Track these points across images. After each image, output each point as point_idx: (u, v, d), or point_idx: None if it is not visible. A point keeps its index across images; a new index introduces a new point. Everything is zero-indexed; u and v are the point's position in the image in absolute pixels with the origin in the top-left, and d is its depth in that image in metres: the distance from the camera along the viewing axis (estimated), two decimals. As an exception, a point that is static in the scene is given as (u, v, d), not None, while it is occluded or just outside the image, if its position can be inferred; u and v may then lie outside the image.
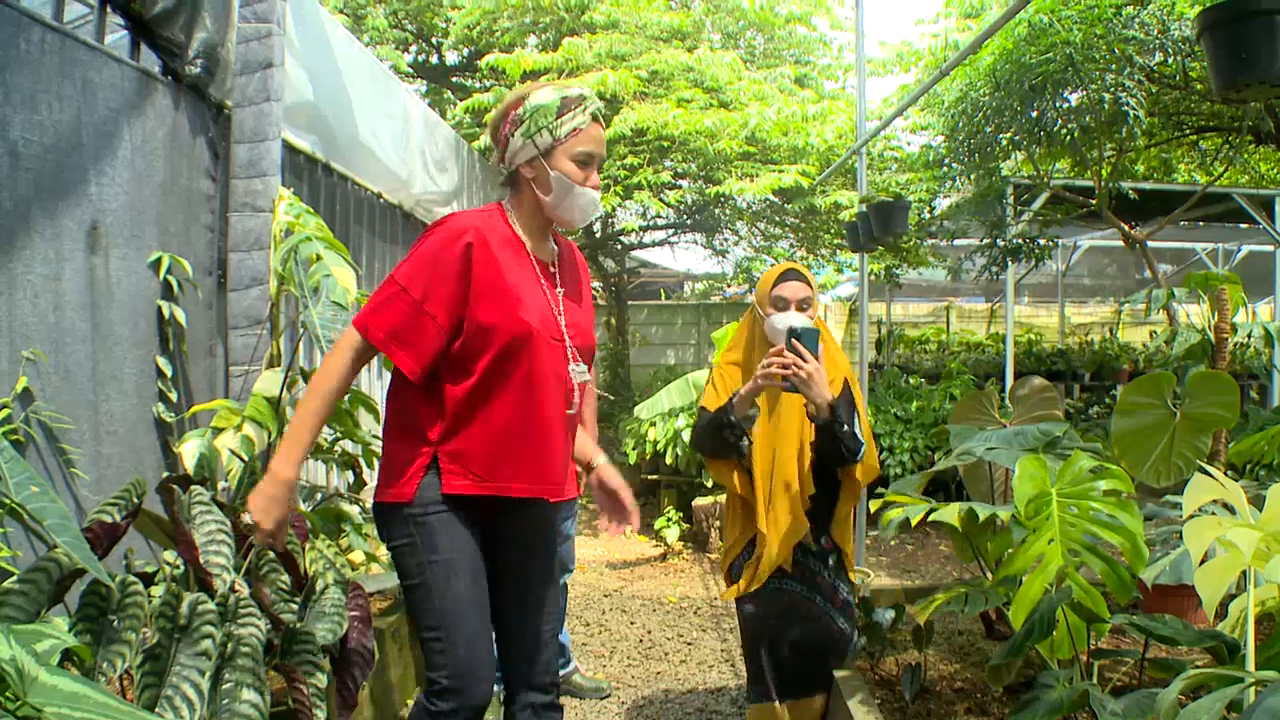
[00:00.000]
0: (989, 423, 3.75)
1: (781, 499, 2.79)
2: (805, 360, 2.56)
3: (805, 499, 2.80)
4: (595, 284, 11.85)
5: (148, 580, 2.19)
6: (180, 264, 3.13)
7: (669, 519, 6.67)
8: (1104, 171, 5.35)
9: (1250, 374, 9.64)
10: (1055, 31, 4.34)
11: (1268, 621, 2.75)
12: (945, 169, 6.28)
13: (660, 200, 7.77)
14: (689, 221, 10.16)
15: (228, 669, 1.96)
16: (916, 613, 2.78)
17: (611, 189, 7.26)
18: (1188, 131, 6.67)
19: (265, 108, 3.40)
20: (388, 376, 2.25)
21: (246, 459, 2.84)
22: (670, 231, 10.97)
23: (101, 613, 1.92)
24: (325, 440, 3.43)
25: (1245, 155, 7.59)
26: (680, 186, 8.39)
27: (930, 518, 2.68)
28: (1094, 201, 5.25)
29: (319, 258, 3.13)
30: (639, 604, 5.36)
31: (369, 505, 3.24)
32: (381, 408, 2.30)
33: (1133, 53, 4.23)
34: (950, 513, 2.63)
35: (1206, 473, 1.80)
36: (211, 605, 1.98)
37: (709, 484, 6.54)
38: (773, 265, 3.10)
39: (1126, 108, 4.17)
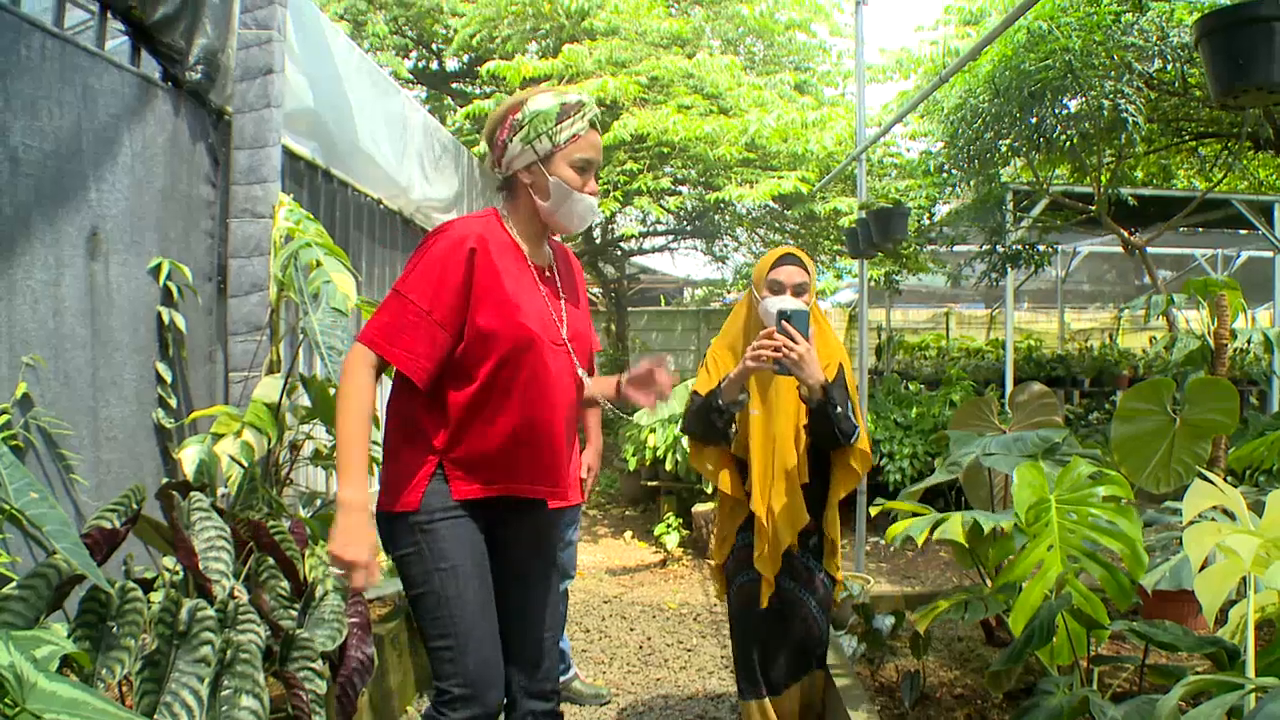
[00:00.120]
0: (988, 429, 3.75)
1: (780, 484, 2.79)
2: (796, 342, 2.54)
3: (802, 485, 2.81)
4: (595, 290, 11.87)
5: (147, 586, 2.18)
6: (180, 270, 3.13)
7: (669, 525, 6.67)
8: (1103, 178, 5.36)
9: (1250, 380, 9.64)
10: (1054, 38, 4.35)
11: (1268, 627, 2.75)
12: (945, 175, 6.29)
13: (660, 206, 7.77)
14: (689, 227, 10.17)
15: (227, 675, 1.96)
16: (916, 620, 2.78)
17: (611, 194, 7.26)
18: (1187, 138, 6.67)
19: (265, 114, 3.40)
20: (387, 383, 2.24)
21: (246, 465, 2.84)
22: (670, 237, 10.97)
23: (100, 619, 1.91)
24: (325, 446, 3.43)
25: (1244, 161, 7.59)
26: (680, 192, 8.39)
27: (935, 535, 2.67)
28: (1093, 208, 5.26)
29: (319, 264, 3.13)
30: (639, 610, 5.36)
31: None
32: (382, 415, 2.29)
33: (1132, 59, 4.24)
34: (955, 529, 2.61)
35: (1206, 479, 1.80)
36: (211, 611, 1.98)
37: (709, 490, 6.54)
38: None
39: (1125, 114, 4.18)
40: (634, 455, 7.02)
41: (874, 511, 3.03)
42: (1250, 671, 1.64)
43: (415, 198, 5.50)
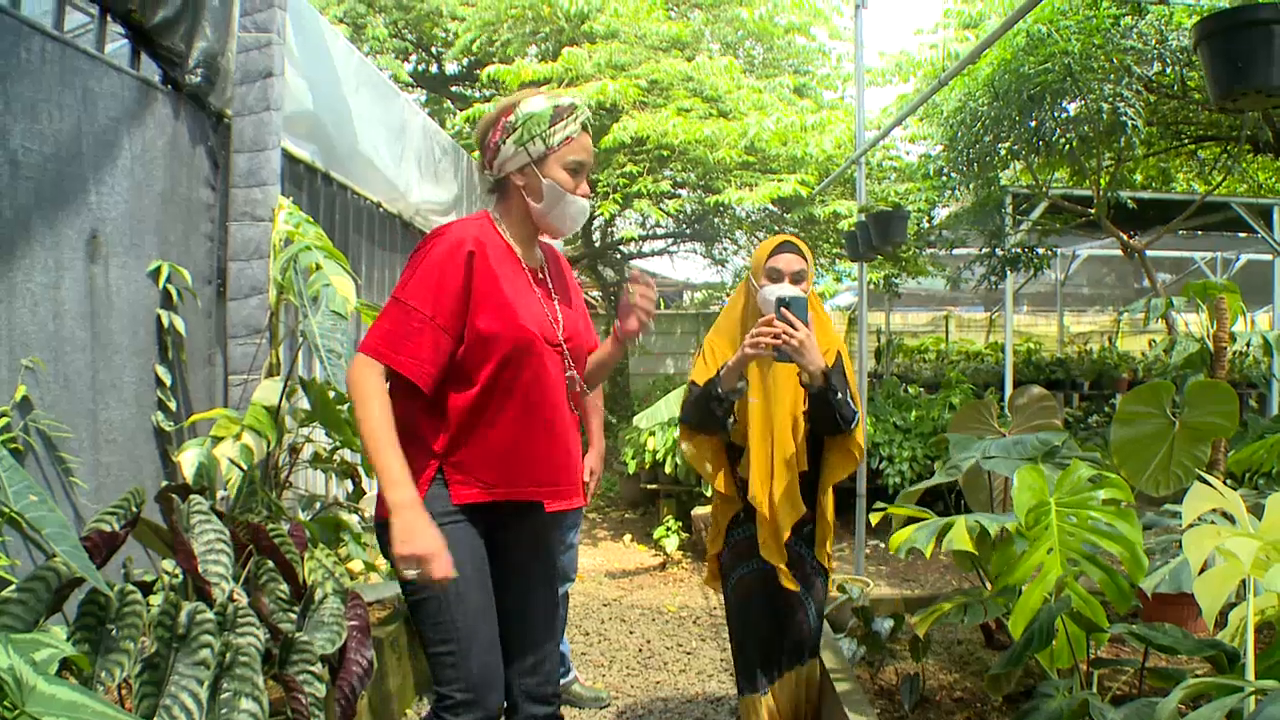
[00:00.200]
0: (988, 432, 3.75)
1: (780, 472, 2.80)
2: (796, 329, 2.54)
3: (798, 473, 2.83)
4: (595, 293, 11.85)
5: (146, 589, 2.18)
6: (180, 273, 3.13)
7: (668, 528, 6.67)
8: (1102, 181, 5.36)
9: (1249, 383, 9.64)
10: (1054, 42, 4.36)
11: (1267, 630, 2.75)
12: (944, 179, 6.28)
13: (659, 209, 7.78)
14: (688, 230, 10.17)
15: (226, 678, 1.96)
16: (916, 623, 2.77)
17: (610, 197, 7.26)
18: (1186, 141, 6.68)
19: (265, 117, 3.41)
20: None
21: (245, 468, 2.84)
22: (669, 241, 10.97)
23: (100, 622, 1.91)
24: (324, 449, 3.43)
25: (1243, 164, 7.60)
26: (679, 195, 8.39)
27: (943, 546, 2.66)
28: (1093, 211, 5.26)
29: (318, 267, 3.13)
30: (638, 613, 5.35)
31: (368, 514, 3.23)
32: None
33: (1131, 63, 4.24)
34: (961, 536, 2.61)
35: (1206, 481, 1.80)
36: (210, 614, 1.98)
37: (708, 493, 6.53)
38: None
39: (1125, 117, 4.18)
40: (633, 458, 7.02)
41: (875, 519, 3.03)
42: (1250, 674, 1.64)
43: (414, 201, 5.50)
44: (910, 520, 2.79)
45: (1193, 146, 6.85)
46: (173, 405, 3.12)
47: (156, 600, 2.12)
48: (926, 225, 7.43)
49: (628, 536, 7.29)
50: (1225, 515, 1.83)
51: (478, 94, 9.94)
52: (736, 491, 2.94)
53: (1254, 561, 1.58)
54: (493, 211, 2.21)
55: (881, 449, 6.84)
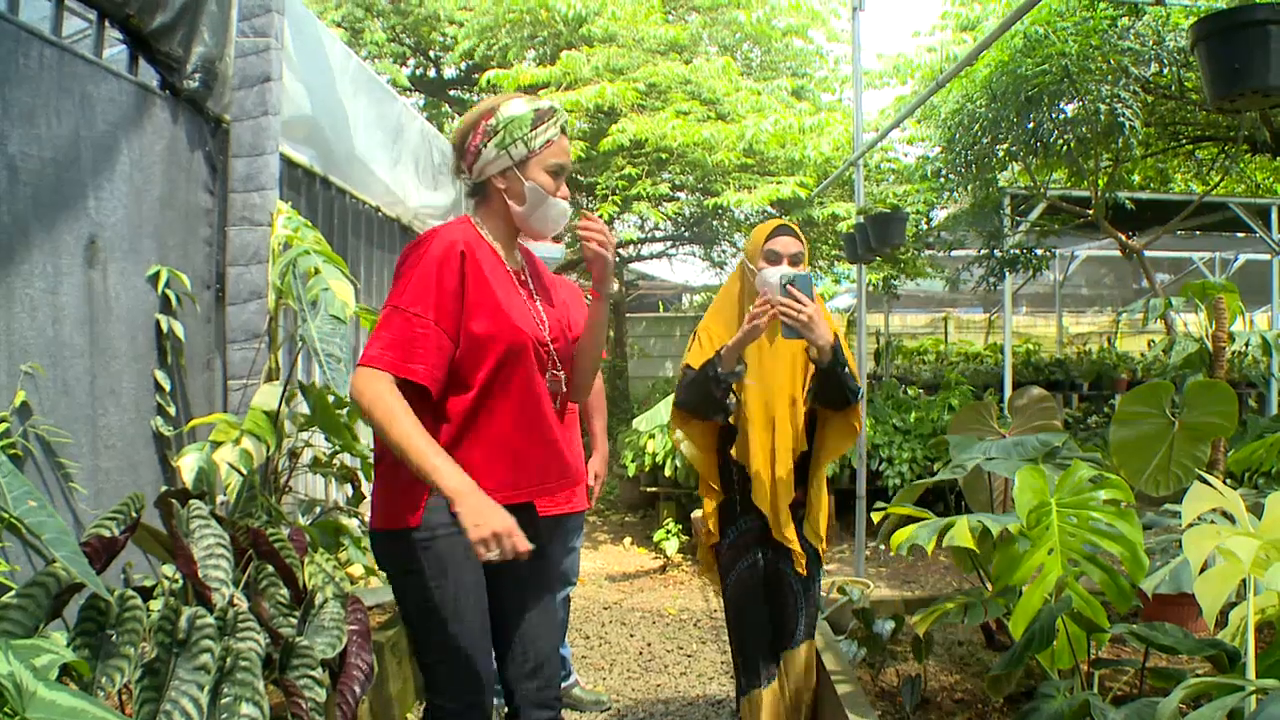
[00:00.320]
0: (988, 433, 3.75)
1: (783, 455, 2.82)
2: (804, 304, 2.57)
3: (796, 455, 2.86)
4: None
5: (146, 594, 2.18)
6: (178, 278, 3.13)
7: (668, 531, 6.66)
8: (1100, 182, 5.36)
9: (1248, 382, 9.64)
10: (1051, 43, 4.36)
11: (1268, 629, 2.75)
12: (942, 180, 6.28)
13: (659, 211, 7.78)
14: (687, 233, 10.18)
15: (226, 683, 1.95)
16: (916, 624, 2.77)
17: (610, 199, 7.27)
18: (1184, 141, 6.69)
19: (263, 121, 3.41)
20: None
21: (245, 473, 2.84)
22: (668, 243, 10.98)
23: (100, 627, 1.91)
24: (324, 454, 3.43)
25: (1241, 164, 7.60)
26: (678, 198, 8.40)
27: (944, 543, 2.66)
28: (1091, 211, 5.26)
29: (317, 271, 3.13)
30: (639, 616, 5.35)
31: (368, 518, 3.23)
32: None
33: (1128, 64, 4.24)
34: (963, 534, 2.61)
35: (1205, 481, 1.80)
36: (210, 619, 1.98)
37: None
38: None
39: (1122, 118, 4.18)
40: (633, 461, 7.02)
41: (876, 518, 3.03)
42: (1250, 673, 1.64)
43: (413, 205, 5.51)
44: (910, 520, 2.79)
45: (1190, 147, 6.86)
46: (172, 410, 3.12)
47: (156, 605, 2.12)
48: (925, 227, 7.43)
49: (628, 539, 7.28)
50: (1225, 515, 1.83)
51: (476, 98, 9.94)
52: (721, 480, 2.97)
53: (1254, 561, 1.58)
54: (473, 216, 2.21)
55: (881, 450, 6.84)
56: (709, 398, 2.80)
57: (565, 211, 2.18)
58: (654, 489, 7.19)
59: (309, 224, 3.44)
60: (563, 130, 2.17)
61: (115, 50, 3.14)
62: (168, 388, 3.10)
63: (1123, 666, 2.64)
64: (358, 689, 2.36)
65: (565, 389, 2.26)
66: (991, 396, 6.81)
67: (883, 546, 6.61)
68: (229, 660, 1.98)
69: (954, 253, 8.22)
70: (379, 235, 5.16)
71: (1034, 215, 6.47)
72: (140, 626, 1.92)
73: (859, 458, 5.26)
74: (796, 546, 2.85)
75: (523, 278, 2.25)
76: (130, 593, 1.98)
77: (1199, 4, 4.19)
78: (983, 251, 6.09)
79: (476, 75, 7.99)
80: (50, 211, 2.58)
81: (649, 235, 10.27)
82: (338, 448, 3.30)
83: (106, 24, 2.95)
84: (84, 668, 1.77)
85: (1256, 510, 1.76)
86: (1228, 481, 3.14)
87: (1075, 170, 5.83)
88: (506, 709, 2.27)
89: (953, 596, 2.90)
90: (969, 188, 6.09)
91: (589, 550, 7.01)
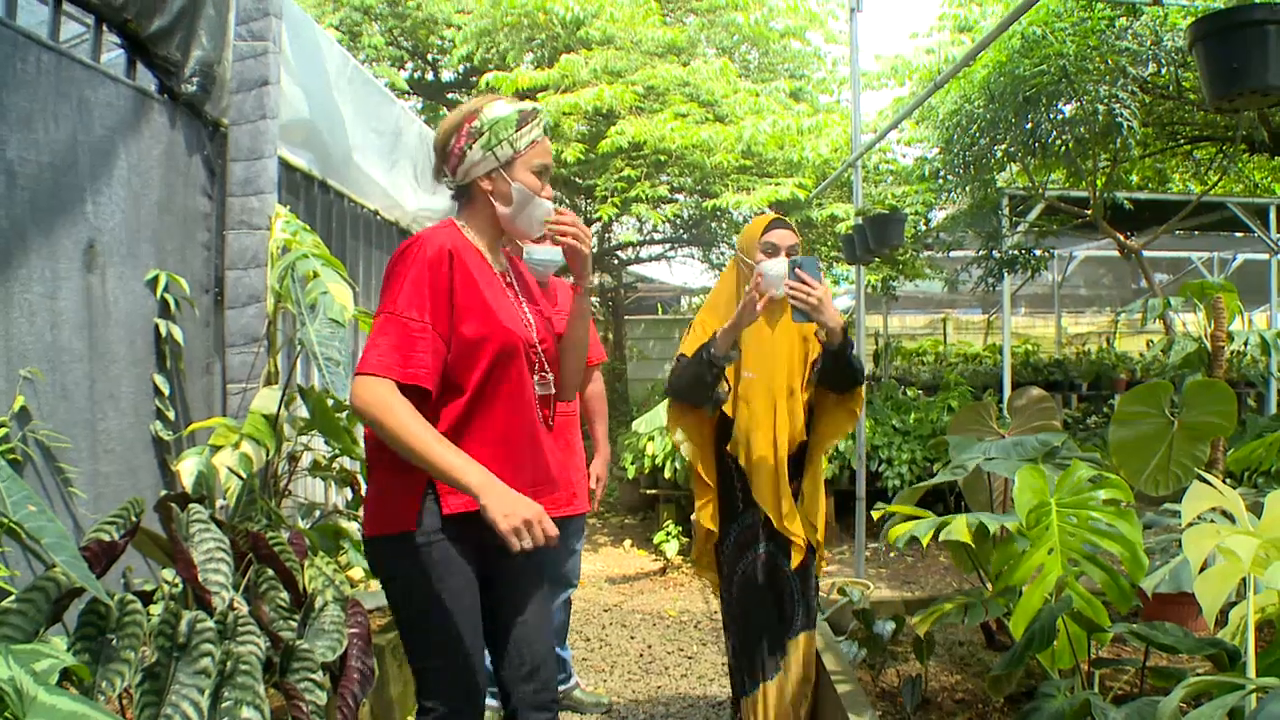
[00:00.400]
0: (987, 434, 3.75)
1: (784, 448, 2.86)
2: (813, 287, 2.60)
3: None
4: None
5: (146, 599, 2.18)
6: (177, 282, 3.13)
7: (668, 533, 6.66)
8: (1099, 182, 5.36)
9: (1247, 382, 9.65)
10: (1049, 44, 4.36)
11: (1268, 628, 2.75)
12: (941, 181, 6.29)
13: (657, 213, 7.79)
14: (685, 235, 10.18)
15: (227, 687, 1.95)
16: (917, 624, 2.77)
17: (609, 201, 7.27)
18: (1182, 141, 6.70)
19: (261, 125, 3.41)
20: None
21: (244, 476, 2.83)
22: (667, 245, 10.98)
23: (100, 631, 1.91)
24: (323, 457, 3.43)
25: (1239, 164, 7.62)
26: (677, 200, 8.40)
27: (940, 537, 2.66)
28: (1089, 212, 5.26)
29: (316, 275, 3.13)
30: (639, 618, 5.35)
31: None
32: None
33: (1126, 64, 4.25)
34: (961, 529, 2.61)
35: (1205, 481, 1.80)
36: (210, 623, 1.98)
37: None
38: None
39: (1120, 118, 4.18)
40: (633, 463, 7.02)
41: (877, 515, 3.04)
42: (1251, 672, 1.64)
43: (411, 208, 5.51)
44: (910, 519, 2.80)
45: (1188, 147, 6.87)
46: (171, 414, 3.12)
47: (156, 609, 2.11)
48: (923, 228, 7.44)
49: (628, 542, 7.28)
50: (1225, 514, 1.83)
51: (474, 101, 9.93)
52: (719, 477, 3.00)
53: (1254, 559, 1.58)
54: (458, 219, 2.21)
55: (881, 452, 6.84)
56: (700, 381, 2.82)
57: (550, 212, 2.19)
58: (654, 491, 7.19)
59: (307, 228, 3.44)
60: (545, 131, 2.19)
61: (113, 55, 3.14)
62: (167, 392, 3.10)
63: (1123, 666, 2.64)
64: (358, 692, 2.36)
65: (555, 390, 2.26)
66: (991, 397, 6.81)
67: (883, 548, 6.62)
68: (229, 664, 1.98)
69: (952, 254, 8.23)
70: (377, 238, 5.16)
71: (1032, 216, 6.47)
72: (140, 631, 1.92)
73: (859, 459, 5.27)
74: (800, 540, 2.86)
75: (508, 279, 2.25)
76: (130, 597, 1.98)
77: (1197, 4, 4.20)
78: (981, 252, 6.09)
79: (474, 78, 8.00)
80: (48, 216, 2.58)
81: (648, 237, 10.27)
82: (337, 451, 3.29)
83: (104, 28, 2.95)
84: (84, 672, 1.77)
85: (1256, 509, 1.76)
86: (1227, 481, 3.14)
87: (1073, 170, 5.82)
88: (504, 711, 2.27)
89: (953, 597, 2.90)
90: (967, 188, 6.09)
91: (589, 553, 7.00)
